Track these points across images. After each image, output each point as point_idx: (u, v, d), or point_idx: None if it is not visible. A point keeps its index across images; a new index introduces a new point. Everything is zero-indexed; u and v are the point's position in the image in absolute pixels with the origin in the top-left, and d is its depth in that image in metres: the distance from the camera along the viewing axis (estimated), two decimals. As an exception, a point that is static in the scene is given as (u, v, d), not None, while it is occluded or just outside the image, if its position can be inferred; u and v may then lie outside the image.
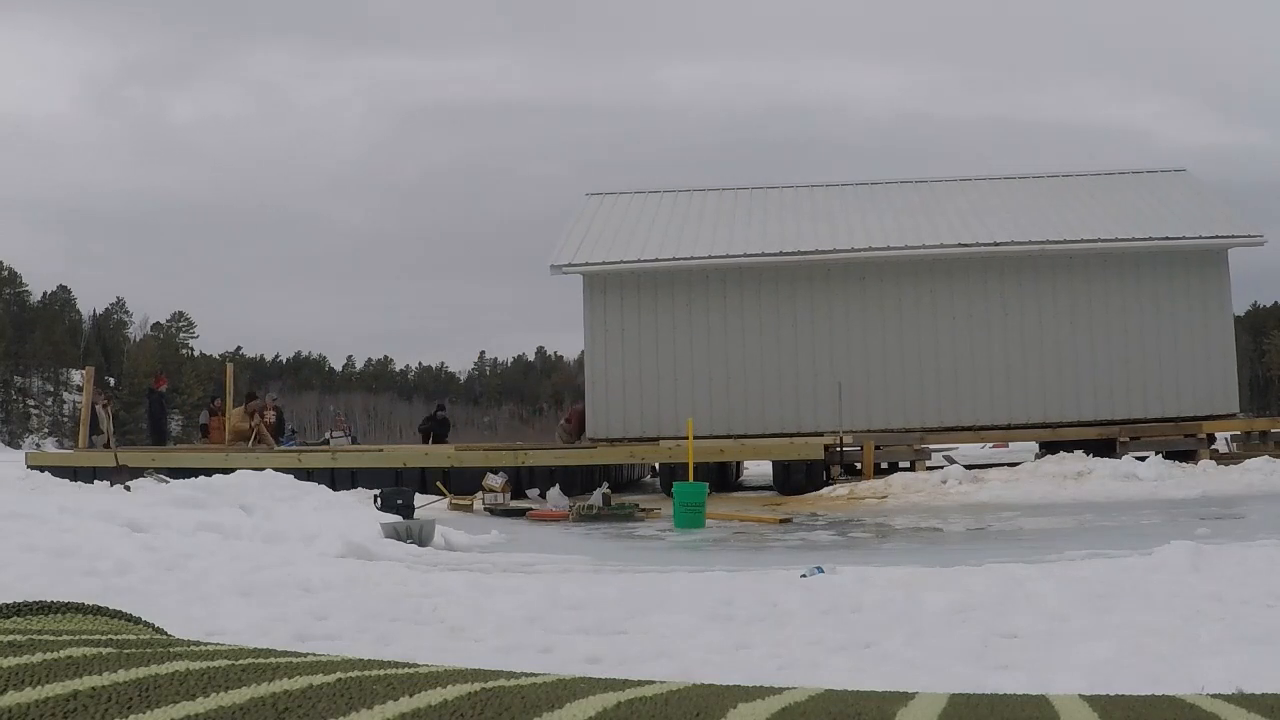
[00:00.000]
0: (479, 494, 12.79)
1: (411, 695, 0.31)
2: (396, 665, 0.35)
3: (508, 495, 12.57)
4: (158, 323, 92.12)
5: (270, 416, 18.17)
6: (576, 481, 13.79)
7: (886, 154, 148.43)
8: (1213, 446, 15.41)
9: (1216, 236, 16.25)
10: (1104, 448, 14.84)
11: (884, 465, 15.60)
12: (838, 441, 14.85)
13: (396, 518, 9.56)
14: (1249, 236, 16.32)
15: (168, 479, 12.18)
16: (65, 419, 76.67)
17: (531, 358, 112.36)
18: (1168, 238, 16.20)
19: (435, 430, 20.54)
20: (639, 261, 16.71)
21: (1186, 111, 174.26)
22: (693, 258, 16.70)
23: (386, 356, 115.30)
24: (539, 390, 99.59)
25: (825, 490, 13.91)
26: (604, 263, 16.77)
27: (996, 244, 16.32)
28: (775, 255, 16.60)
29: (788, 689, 0.33)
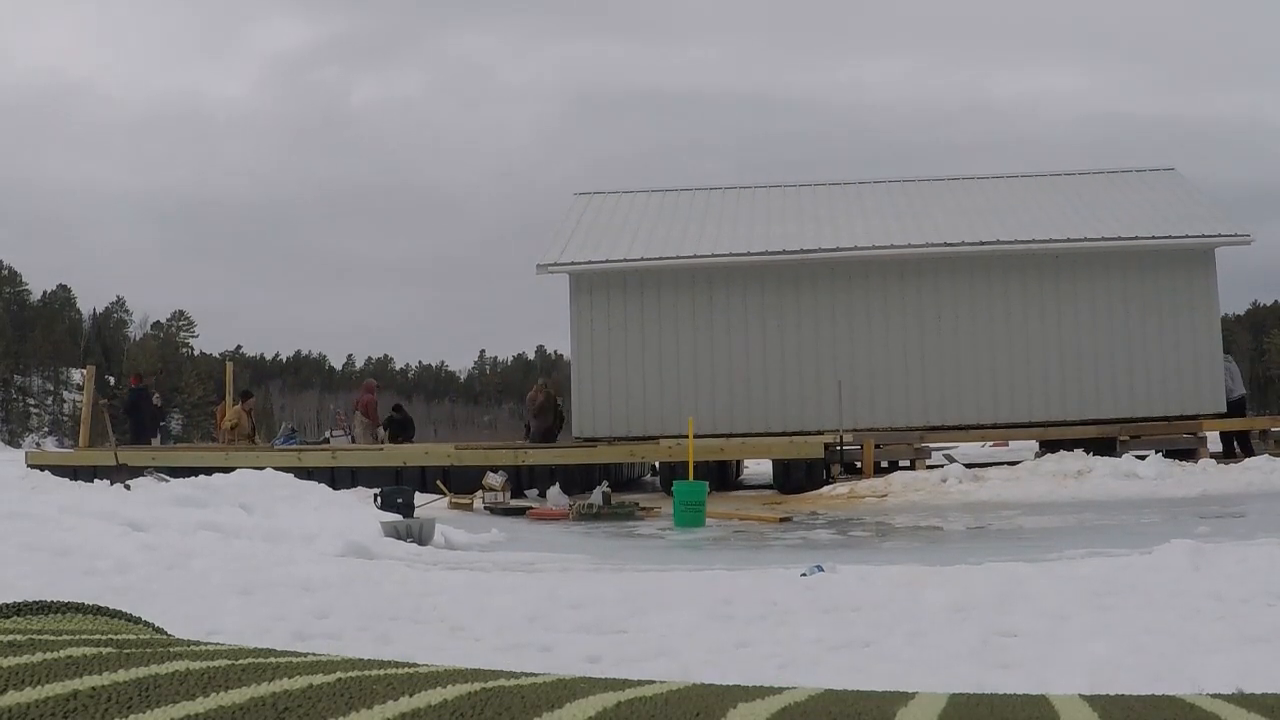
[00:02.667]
0: (479, 493, 12.79)
1: (411, 695, 0.31)
2: (396, 665, 0.35)
3: (508, 494, 12.56)
4: (158, 322, 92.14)
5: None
6: (576, 480, 13.79)
7: (1072, 152, 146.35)
8: (1220, 449, 15.46)
9: (1204, 236, 16.30)
10: (1104, 446, 14.85)
11: (884, 464, 15.60)
12: (838, 440, 14.85)
13: (396, 517, 9.56)
14: (1236, 236, 16.38)
15: (167, 478, 12.17)
16: (65, 418, 76.67)
17: (531, 356, 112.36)
18: (1155, 237, 16.26)
19: (393, 430, 19.76)
20: (625, 261, 16.70)
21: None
22: (679, 257, 16.69)
23: (386, 355, 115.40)
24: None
25: (825, 489, 13.90)
26: (589, 262, 16.75)
27: (999, 242, 16.34)
28: (777, 254, 16.60)
29: (788, 689, 0.33)
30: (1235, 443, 15.79)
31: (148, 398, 18.98)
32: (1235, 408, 16.35)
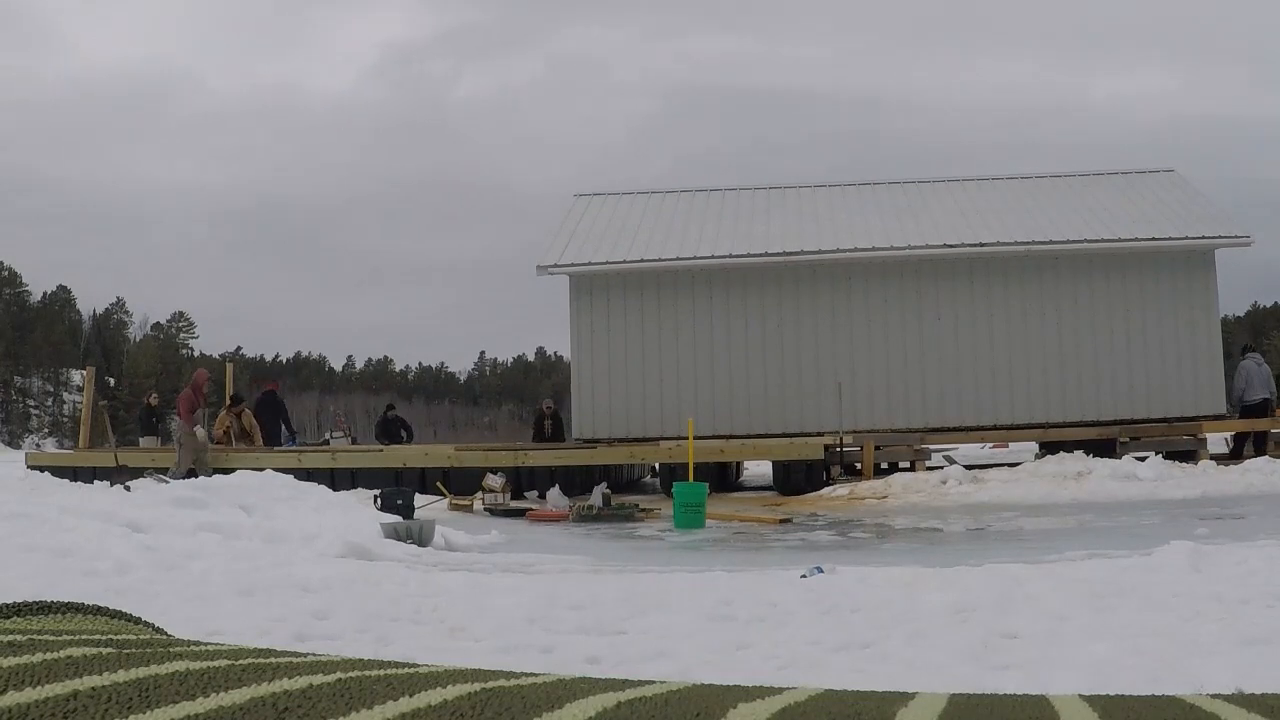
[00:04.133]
0: (479, 494, 12.79)
1: (411, 695, 0.31)
2: (396, 665, 0.35)
3: (508, 495, 12.56)
4: (158, 323, 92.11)
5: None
6: (576, 482, 13.79)
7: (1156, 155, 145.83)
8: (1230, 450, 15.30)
9: (1204, 237, 16.31)
10: (1104, 448, 14.85)
11: (884, 465, 15.61)
12: (838, 441, 14.85)
13: (396, 518, 9.56)
14: (1236, 237, 16.38)
15: (167, 479, 12.18)
16: (65, 419, 76.67)
17: (531, 358, 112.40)
18: (1154, 238, 16.27)
19: (389, 430, 19.69)
20: (625, 262, 16.70)
21: None
22: (679, 258, 16.69)
23: (386, 357, 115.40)
24: (539, 390, 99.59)
25: (825, 490, 13.90)
26: (590, 263, 16.76)
27: (1000, 244, 16.35)
28: (777, 255, 16.60)
29: (788, 689, 0.33)
30: (1247, 445, 15.55)
31: (278, 402, 18.79)
32: (1256, 410, 15.58)
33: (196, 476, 12.07)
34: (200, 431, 14.70)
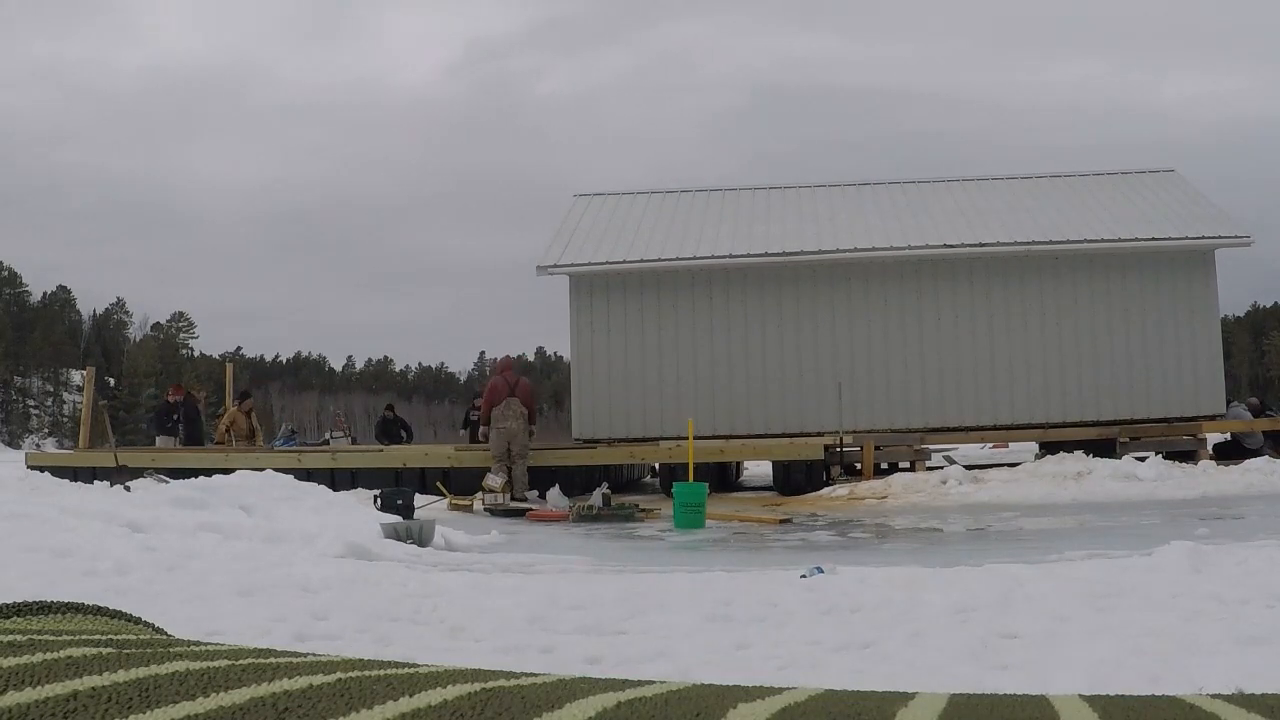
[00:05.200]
0: (479, 494, 12.79)
1: (411, 695, 0.31)
2: (396, 665, 0.35)
3: (508, 495, 12.56)
4: (158, 323, 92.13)
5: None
6: (576, 482, 13.79)
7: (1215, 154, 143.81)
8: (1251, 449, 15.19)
9: (1203, 237, 16.31)
10: (1104, 448, 14.85)
11: (884, 465, 15.60)
12: (838, 442, 14.85)
13: (396, 518, 9.56)
14: (1236, 237, 16.39)
15: (167, 479, 12.17)
16: (65, 419, 76.65)
17: (531, 358, 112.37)
18: (1154, 238, 16.27)
19: (388, 430, 19.61)
20: (625, 262, 16.70)
21: None
22: (679, 258, 16.69)
23: (386, 357, 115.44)
24: (539, 390, 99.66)
25: (825, 490, 13.90)
26: (590, 263, 16.75)
27: (999, 244, 16.35)
28: (777, 255, 16.60)
29: (788, 689, 0.33)
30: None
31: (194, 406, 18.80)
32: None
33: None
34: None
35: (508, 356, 14.73)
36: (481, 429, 14.05)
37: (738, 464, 17.67)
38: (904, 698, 0.32)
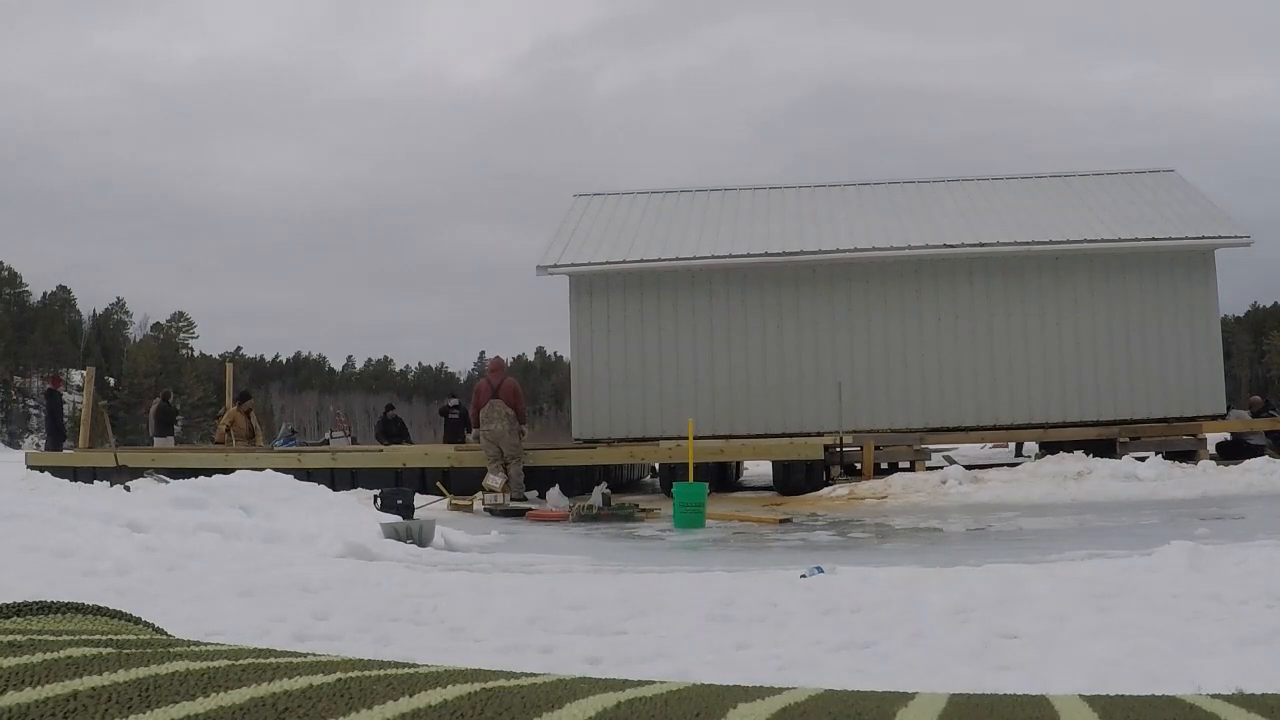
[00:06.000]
0: (479, 494, 12.79)
1: (411, 695, 0.31)
2: (396, 665, 0.35)
3: (508, 495, 12.56)
4: (158, 323, 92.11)
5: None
6: (576, 482, 13.79)
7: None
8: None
9: (1203, 237, 16.32)
10: (1104, 448, 14.85)
11: (884, 465, 15.60)
12: (838, 441, 14.85)
13: (396, 518, 9.56)
14: (1236, 237, 16.39)
15: (167, 479, 12.17)
16: (65, 420, 76.54)
17: (531, 358, 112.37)
18: (1154, 238, 16.28)
19: (388, 430, 19.65)
20: (625, 262, 16.70)
21: None
22: (679, 258, 16.69)
23: (386, 357, 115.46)
24: (539, 390, 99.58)
25: (825, 490, 13.90)
26: (590, 263, 16.75)
27: (999, 244, 16.35)
28: (777, 255, 16.60)
29: (788, 689, 0.33)
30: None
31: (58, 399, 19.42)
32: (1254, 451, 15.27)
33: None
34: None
35: (498, 358, 14.69)
36: (471, 433, 14.05)
37: (738, 464, 17.67)
38: (904, 698, 0.32)
